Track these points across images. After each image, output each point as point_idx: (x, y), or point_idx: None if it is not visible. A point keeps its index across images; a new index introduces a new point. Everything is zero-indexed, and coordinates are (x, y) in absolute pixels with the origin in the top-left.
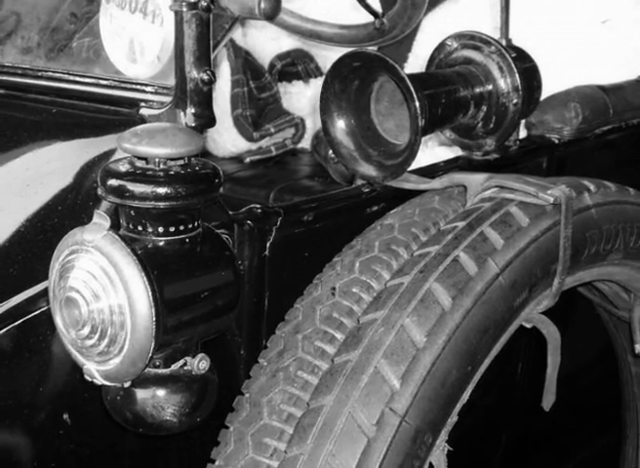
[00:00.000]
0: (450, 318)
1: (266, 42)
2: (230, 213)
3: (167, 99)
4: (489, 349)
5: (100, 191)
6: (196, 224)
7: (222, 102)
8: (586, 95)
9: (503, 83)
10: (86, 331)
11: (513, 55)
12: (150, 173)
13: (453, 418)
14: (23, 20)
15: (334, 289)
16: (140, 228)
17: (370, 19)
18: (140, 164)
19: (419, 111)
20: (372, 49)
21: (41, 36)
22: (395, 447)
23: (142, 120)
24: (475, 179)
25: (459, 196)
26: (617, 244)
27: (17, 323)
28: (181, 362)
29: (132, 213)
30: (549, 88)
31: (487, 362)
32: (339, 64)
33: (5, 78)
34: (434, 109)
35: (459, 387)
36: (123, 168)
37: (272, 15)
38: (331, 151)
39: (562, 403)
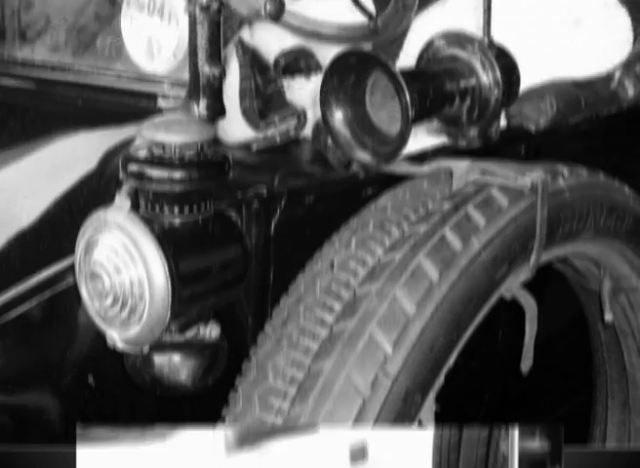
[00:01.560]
0: (437, 290)
1: (272, 41)
2: (239, 195)
3: (182, 93)
4: (472, 318)
5: (121, 175)
6: (208, 206)
7: (232, 95)
8: (560, 89)
9: (486, 78)
10: (109, 301)
11: (494, 52)
12: (167, 159)
13: (440, 380)
14: (52, 21)
15: (332, 263)
16: (157, 209)
17: (365, 20)
18: (157, 151)
19: (409, 103)
20: (366, 47)
21: (68, 35)
22: (388, 406)
23: (160, 111)
24: (460, 165)
25: (445, 180)
26: (588, 223)
27: (46, 294)
28: (195, 329)
29: (150, 195)
30: (527, 82)
31: (471, 329)
32: (336, 61)
33: (36, 74)
34: (423, 102)
35: (445, 352)
36: (142, 154)
37: (277, 16)
38: (330, 139)
39: (539, 367)
